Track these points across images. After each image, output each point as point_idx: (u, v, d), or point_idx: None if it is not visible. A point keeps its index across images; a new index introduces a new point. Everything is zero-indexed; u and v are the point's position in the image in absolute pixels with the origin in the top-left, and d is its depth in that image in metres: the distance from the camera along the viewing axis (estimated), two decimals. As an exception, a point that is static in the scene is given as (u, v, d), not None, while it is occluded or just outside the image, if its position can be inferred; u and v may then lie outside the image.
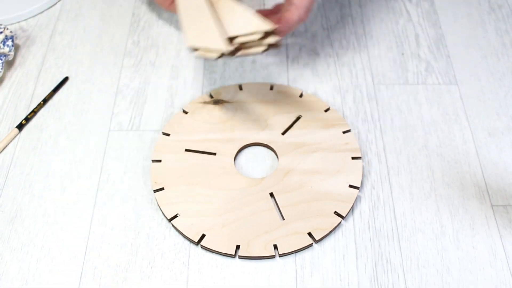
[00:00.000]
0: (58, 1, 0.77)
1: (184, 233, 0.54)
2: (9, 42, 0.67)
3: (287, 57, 0.70)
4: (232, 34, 0.44)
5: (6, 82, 0.68)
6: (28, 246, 0.54)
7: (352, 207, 0.56)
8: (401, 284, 0.51)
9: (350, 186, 0.57)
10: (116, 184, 0.58)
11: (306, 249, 0.54)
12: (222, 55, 0.48)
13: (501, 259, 0.53)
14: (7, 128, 0.63)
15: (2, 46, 0.67)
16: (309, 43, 0.71)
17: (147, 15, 0.75)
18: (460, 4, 0.76)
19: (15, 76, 0.68)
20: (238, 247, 0.53)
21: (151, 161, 0.59)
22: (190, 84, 0.67)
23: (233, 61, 0.69)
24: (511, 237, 0.54)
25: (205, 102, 0.64)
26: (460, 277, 0.52)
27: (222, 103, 0.64)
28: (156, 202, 0.57)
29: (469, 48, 0.70)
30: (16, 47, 0.71)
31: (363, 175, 0.58)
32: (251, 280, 0.52)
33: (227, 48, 0.40)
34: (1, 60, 0.65)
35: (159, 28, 0.73)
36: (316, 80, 0.67)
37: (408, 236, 0.54)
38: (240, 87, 0.65)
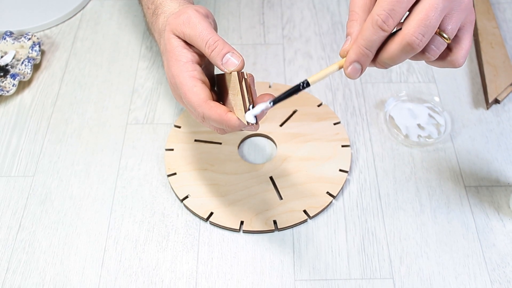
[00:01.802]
0: (79, 12, 0.84)
1: (194, 211, 0.60)
2: (37, 48, 0.74)
3: (284, 59, 0.77)
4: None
5: (34, 83, 0.74)
6: (58, 224, 0.61)
7: (342, 188, 0.62)
8: (385, 254, 0.58)
9: (340, 170, 0.63)
10: (134, 170, 0.65)
11: (302, 224, 0.60)
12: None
13: (472, 232, 0.59)
14: (37, 122, 0.70)
15: (30, 51, 0.74)
16: (303, 47, 0.78)
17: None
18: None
19: (41, 77, 0.75)
20: (242, 222, 0.59)
21: (164, 150, 0.66)
22: (198, 84, 0.73)
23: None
24: (481, 213, 0.61)
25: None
26: (437, 248, 0.58)
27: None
28: (169, 185, 0.63)
29: (447, 51, 0.78)
30: (42, 52, 0.78)
31: (352, 161, 0.65)
32: (253, 251, 0.58)
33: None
34: (30, 63, 0.72)
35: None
36: (310, 80, 0.74)
37: (391, 213, 0.61)
38: (243, 86, 0.72)
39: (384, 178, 0.64)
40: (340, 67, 0.45)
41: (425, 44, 0.42)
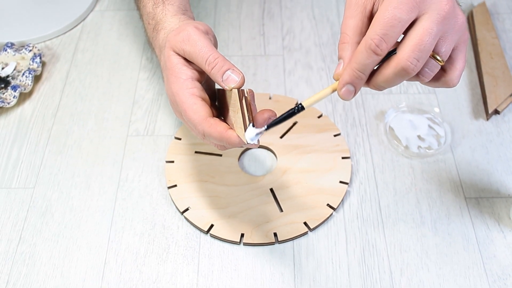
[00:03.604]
0: (79, 23, 0.85)
1: (195, 223, 0.60)
2: (37, 59, 0.75)
3: (284, 70, 0.77)
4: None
5: (34, 95, 0.75)
6: (58, 236, 0.61)
7: (342, 200, 0.62)
8: (386, 266, 0.57)
9: (341, 182, 0.63)
10: (134, 182, 0.65)
11: (302, 237, 0.60)
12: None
13: (473, 244, 0.59)
14: (37, 134, 0.70)
15: (31, 62, 0.74)
16: (303, 58, 0.79)
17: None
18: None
19: (42, 89, 0.75)
20: (242, 235, 0.59)
21: (165, 162, 0.66)
22: (198, 95, 0.74)
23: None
24: (482, 224, 0.61)
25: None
26: (437, 259, 0.58)
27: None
28: (170, 197, 0.63)
29: (446, 61, 0.78)
30: (43, 64, 0.78)
31: (352, 173, 0.65)
32: (254, 263, 0.58)
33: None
34: (31, 75, 0.73)
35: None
36: (310, 91, 0.74)
37: (392, 225, 0.61)
38: (243, 97, 0.72)
39: (385, 190, 0.64)
40: (334, 90, 0.45)
41: (419, 69, 0.42)
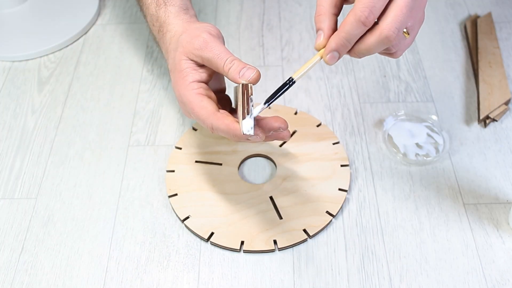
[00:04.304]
0: (81, 36, 0.86)
1: (195, 231, 0.61)
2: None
3: (283, 80, 0.78)
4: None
5: (37, 107, 0.76)
6: (60, 246, 0.61)
7: (341, 207, 0.63)
8: (385, 272, 0.58)
9: (340, 189, 0.64)
10: (135, 191, 0.66)
11: (302, 244, 0.60)
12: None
13: (472, 249, 0.59)
14: (40, 145, 0.71)
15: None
16: (302, 68, 0.80)
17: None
18: (436, 32, 0.85)
19: (45, 101, 0.77)
20: (242, 242, 0.60)
21: (165, 172, 0.67)
22: (198, 106, 0.75)
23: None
24: (480, 230, 0.61)
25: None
26: (436, 265, 0.58)
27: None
28: (170, 206, 0.64)
29: (443, 70, 0.79)
30: (46, 77, 0.79)
31: (351, 180, 0.66)
32: (254, 271, 0.58)
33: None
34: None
35: (170, 58, 0.81)
36: (309, 100, 0.75)
37: (391, 232, 0.61)
38: (242, 107, 0.73)
39: (383, 197, 0.64)
40: (321, 58, 0.50)
41: (398, 37, 0.47)
